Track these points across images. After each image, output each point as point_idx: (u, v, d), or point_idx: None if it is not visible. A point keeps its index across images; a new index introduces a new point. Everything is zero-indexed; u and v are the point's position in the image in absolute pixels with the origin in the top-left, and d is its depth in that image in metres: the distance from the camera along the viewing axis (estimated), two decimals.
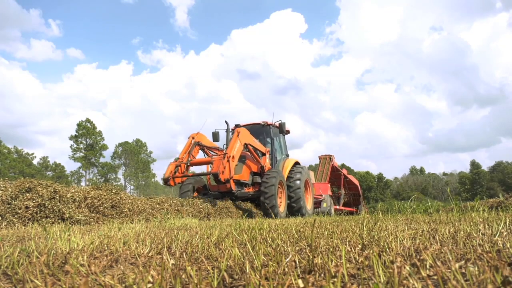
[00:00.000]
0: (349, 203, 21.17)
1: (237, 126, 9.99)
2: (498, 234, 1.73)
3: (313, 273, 1.10)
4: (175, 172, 7.57)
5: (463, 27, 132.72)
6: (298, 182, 9.49)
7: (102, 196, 5.38)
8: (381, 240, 1.67)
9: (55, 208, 4.59)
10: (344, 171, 20.43)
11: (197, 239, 2.08)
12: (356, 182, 21.45)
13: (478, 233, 1.84)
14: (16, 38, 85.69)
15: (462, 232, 1.88)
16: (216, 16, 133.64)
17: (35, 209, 4.47)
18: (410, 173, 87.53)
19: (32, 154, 50.61)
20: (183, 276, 1.12)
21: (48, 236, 2.44)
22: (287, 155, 10.98)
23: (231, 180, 7.54)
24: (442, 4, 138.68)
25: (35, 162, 51.38)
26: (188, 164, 7.75)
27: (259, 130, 10.28)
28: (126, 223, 4.34)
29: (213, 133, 9.95)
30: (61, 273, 1.24)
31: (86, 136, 51.03)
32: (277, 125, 10.38)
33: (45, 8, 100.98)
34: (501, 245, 1.39)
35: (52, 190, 4.81)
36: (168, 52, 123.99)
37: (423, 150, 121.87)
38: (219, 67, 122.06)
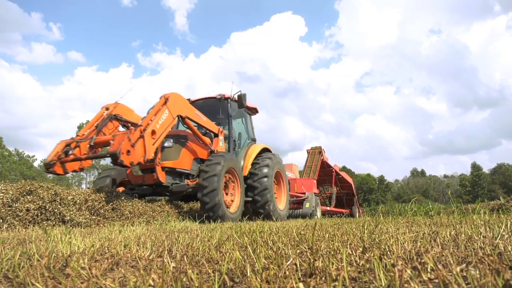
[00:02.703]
0: (341, 203, 19.14)
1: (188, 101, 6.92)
2: (499, 237, 1.73)
3: (314, 276, 1.10)
4: (66, 154, 5.15)
5: (462, 29, 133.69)
6: (265, 172, 7.04)
7: (103, 198, 5.38)
8: (382, 243, 1.67)
9: (56, 210, 4.58)
10: (336, 167, 18.26)
11: (198, 242, 2.08)
12: (349, 180, 19.45)
13: (479, 236, 1.84)
14: (17, 42, 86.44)
15: (463, 235, 1.87)
16: (215, 19, 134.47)
17: (36, 211, 4.47)
18: (412, 175, 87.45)
19: (33, 156, 50.75)
20: (184, 279, 1.12)
21: (49, 238, 2.44)
22: (254, 140, 8.34)
23: (158, 168, 5.55)
24: (441, 7, 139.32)
25: (35, 164, 51.49)
26: (92, 143, 5.26)
27: (215, 106, 7.62)
28: (127, 225, 4.33)
29: None
30: (62, 276, 1.24)
31: None
32: (236, 98, 7.46)
33: (46, 12, 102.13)
34: (502, 248, 1.39)
35: (53, 193, 4.81)
36: (168, 55, 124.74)
37: (423, 152, 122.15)
38: (218, 70, 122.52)
